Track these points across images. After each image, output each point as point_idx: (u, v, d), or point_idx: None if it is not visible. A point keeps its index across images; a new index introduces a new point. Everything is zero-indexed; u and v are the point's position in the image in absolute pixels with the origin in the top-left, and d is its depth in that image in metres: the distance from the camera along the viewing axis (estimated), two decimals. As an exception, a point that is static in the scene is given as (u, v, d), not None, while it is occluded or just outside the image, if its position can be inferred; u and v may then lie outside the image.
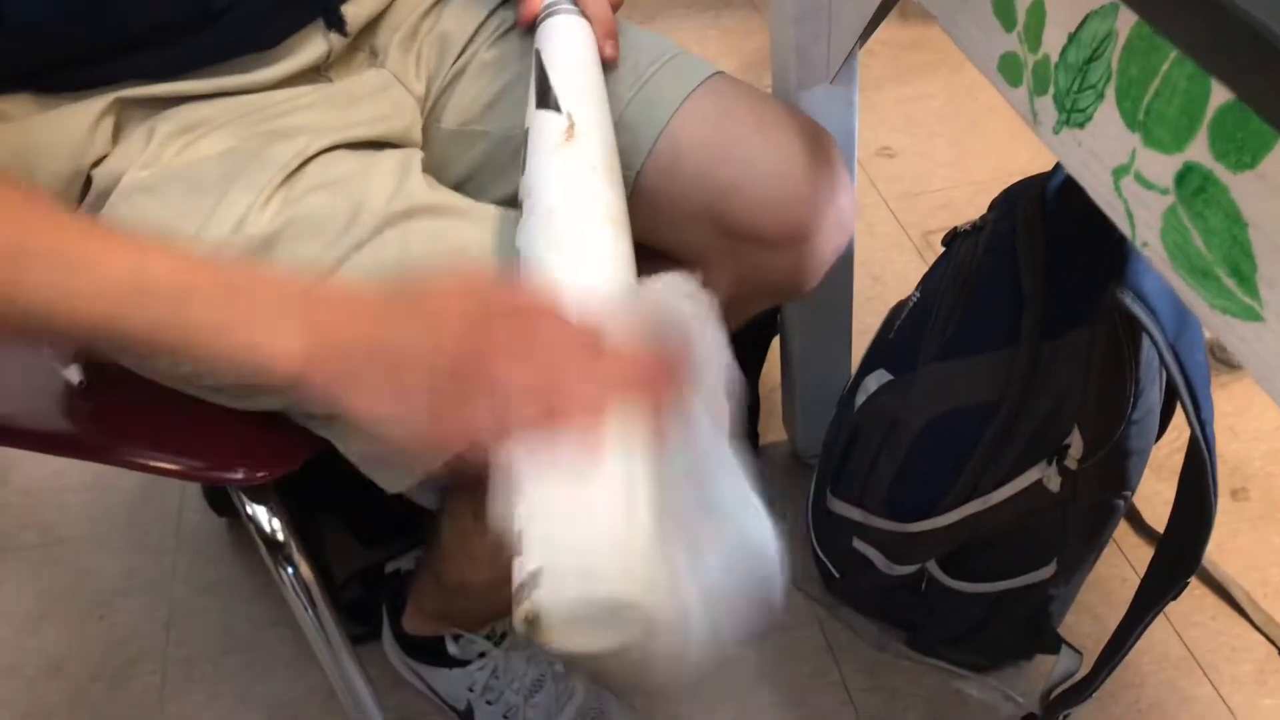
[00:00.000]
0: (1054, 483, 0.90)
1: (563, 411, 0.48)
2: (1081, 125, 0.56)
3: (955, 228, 1.02)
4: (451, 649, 1.01)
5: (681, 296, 0.53)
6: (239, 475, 0.74)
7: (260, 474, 0.74)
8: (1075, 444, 0.88)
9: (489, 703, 1.01)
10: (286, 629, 1.17)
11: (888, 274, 1.53)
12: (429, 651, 1.03)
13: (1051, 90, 0.57)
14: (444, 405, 0.49)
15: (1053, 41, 0.56)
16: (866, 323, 1.20)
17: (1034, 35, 0.58)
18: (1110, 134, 0.53)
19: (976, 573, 1.01)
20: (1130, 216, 0.53)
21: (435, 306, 0.51)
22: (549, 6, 0.77)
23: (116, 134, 0.70)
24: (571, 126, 0.66)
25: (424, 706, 1.08)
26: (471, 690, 1.02)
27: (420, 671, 1.05)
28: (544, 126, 0.67)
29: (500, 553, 0.85)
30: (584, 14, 0.77)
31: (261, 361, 0.50)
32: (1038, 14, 0.57)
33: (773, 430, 1.32)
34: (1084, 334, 0.85)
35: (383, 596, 1.11)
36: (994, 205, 1.02)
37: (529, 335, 0.50)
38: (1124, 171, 0.53)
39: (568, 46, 0.74)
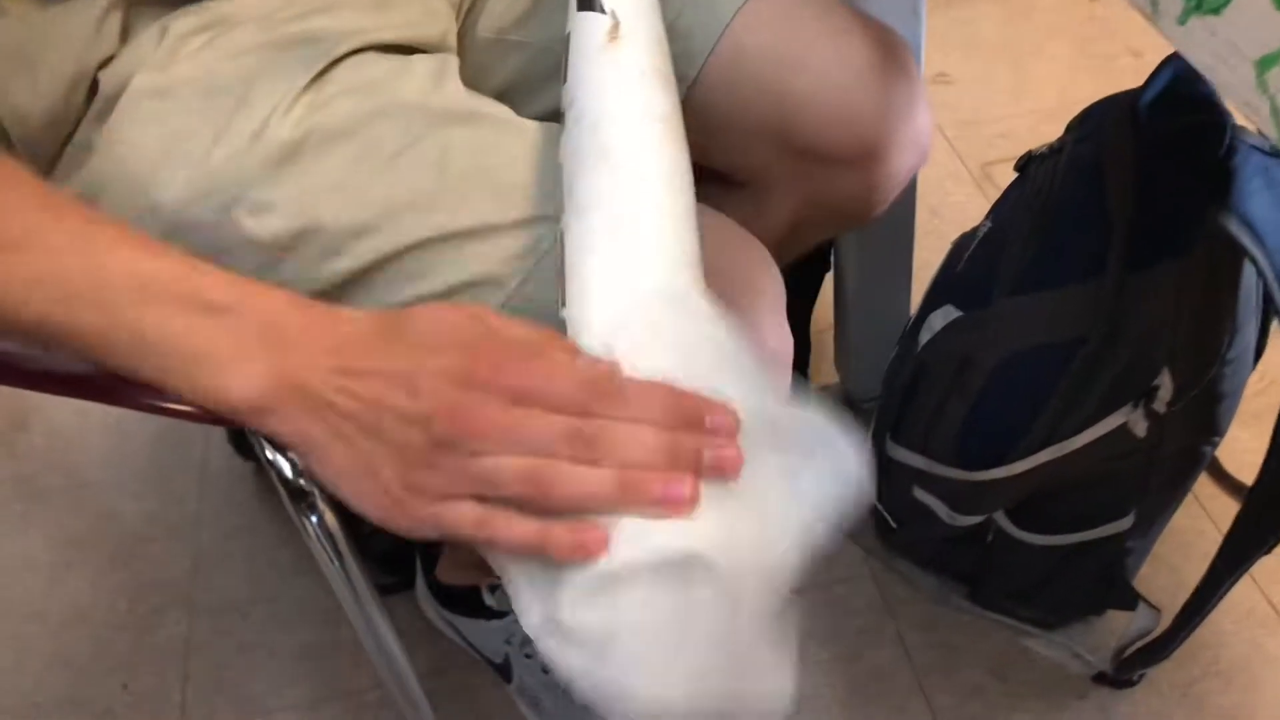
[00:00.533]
0: (1140, 428, 0.82)
1: (563, 498, 0.41)
2: (1217, 10, 0.48)
3: (1030, 151, 0.94)
4: (488, 600, 0.96)
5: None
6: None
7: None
8: (1165, 385, 0.81)
9: (528, 656, 0.96)
10: (315, 577, 1.12)
11: (945, 207, 1.45)
12: (464, 602, 0.98)
13: (1180, -29, 0.49)
14: (412, 488, 0.43)
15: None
16: (922, 259, 1.13)
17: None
18: (1254, 18, 0.45)
19: (1048, 524, 0.94)
20: (1277, 115, 0.46)
21: (414, 359, 0.44)
22: None
23: (125, 32, 0.63)
24: (616, 27, 0.58)
25: (460, 659, 1.04)
26: (509, 643, 0.97)
27: (455, 623, 1.00)
28: (586, 29, 0.59)
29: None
30: None
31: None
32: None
33: (824, 372, 1.25)
34: (1177, 264, 0.78)
35: (415, 544, 1.06)
36: (1072, 126, 0.93)
37: (527, 395, 0.43)
38: (1273, 62, 0.45)
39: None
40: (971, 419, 0.88)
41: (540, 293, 0.59)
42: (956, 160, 1.53)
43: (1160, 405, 0.81)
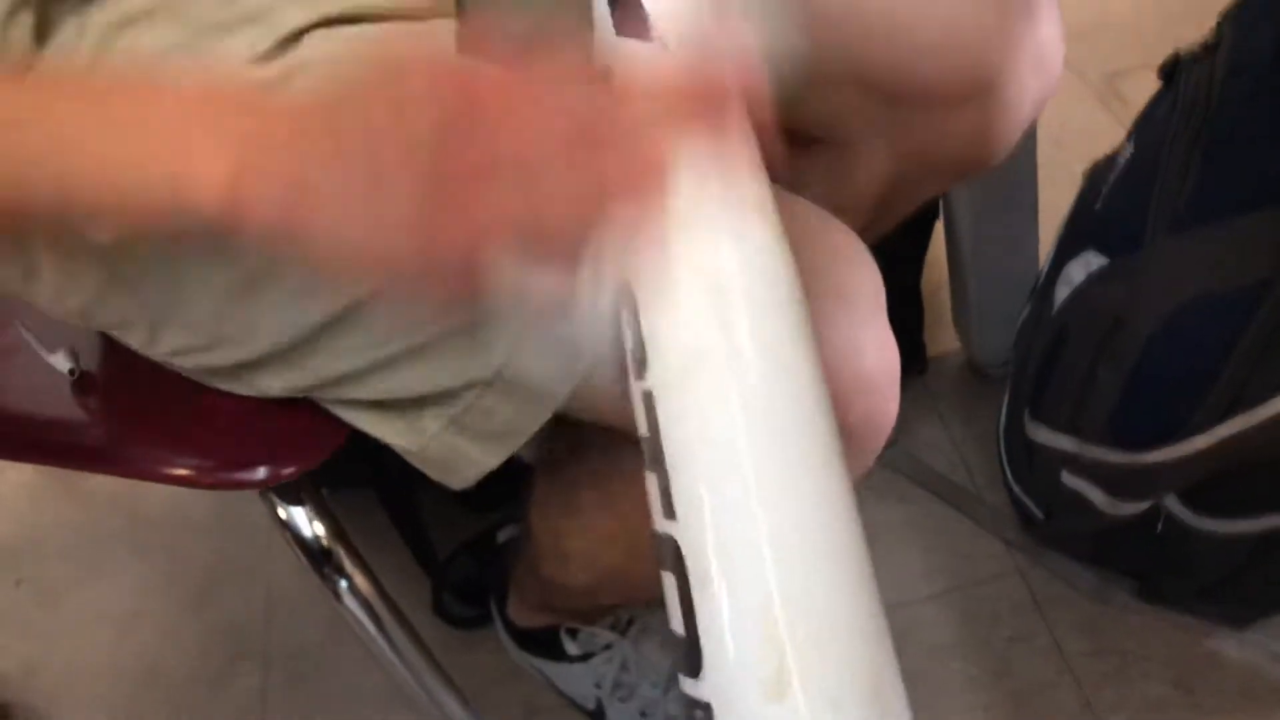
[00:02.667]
0: (1354, 387, 0.65)
1: (619, 176, 0.34)
2: None
3: (1176, 52, 0.77)
4: (569, 646, 0.85)
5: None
6: (260, 476, 0.58)
7: (287, 470, 0.58)
8: (1383, 332, 0.64)
9: (621, 700, 0.85)
10: (393, 613, 1.03)
11: (1067, 134, 1.26)
12: (543, 645, 0.88)
13: None
14: (439, 199, 0.34)
15: None
16: (1047, 199, 0.97)
17: None
18: None
19: (1234, 507, 0.78)
20: None
21: (401, 87, 0.36)
22: None
23: (41, 33, 0.52)
24: None
25: (553, 699, 0.93)
26: (599, 687, 0.85)
27: (539, 666, 0.89)
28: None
29: (596, 557, 0.68)
30: None
31: (182, 199, 0.37)
32: None
33: (942, 339, 1.09)
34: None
35: (491, 575, 0.95)
36: (1229, 16, 0.76)
37: (533, 95, 0.35)
38: None
39: None
40: (1129, 391, 0.72)
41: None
42: (1075, 75, 1.34)
43: (1379, 358, 0.64)
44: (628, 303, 0.38)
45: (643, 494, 0.59)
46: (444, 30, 0.54)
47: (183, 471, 0.61)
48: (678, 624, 0.35)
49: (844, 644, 0.34)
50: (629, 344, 0.38)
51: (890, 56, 0.60)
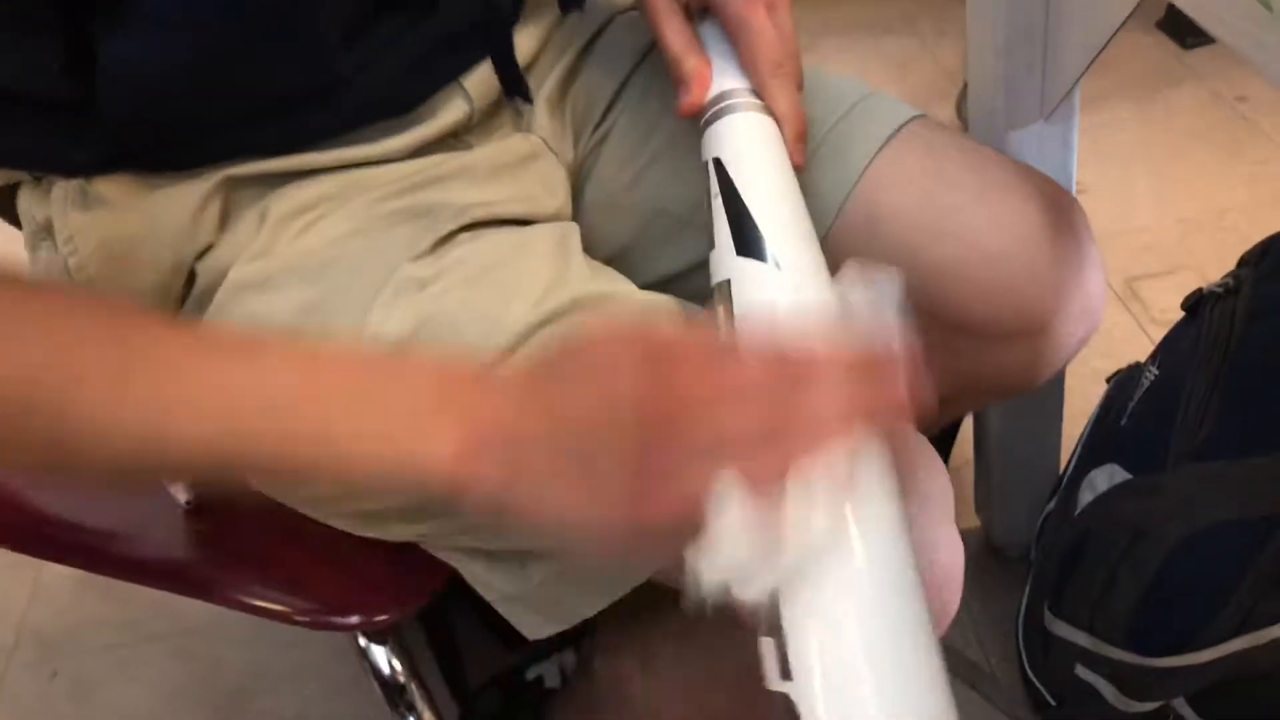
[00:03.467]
0: (1356, 618, 0.71)
1: (797, 450, 0.38)
2: None
3: (1199, 290, 0.85)
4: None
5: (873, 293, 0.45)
6: (354, 620, 0.63)
7: (380, 618, 0.63)
8: (1384, 570, 0.70)
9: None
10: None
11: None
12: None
13: None
14: (647, 476, 0.39)
15: None
16: (1068, 386, 1.03)
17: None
18: None
19: (1240, 715, 0.82)
20: None
21: (600, 363, 0.42)
22: (724, 99, 0.59)
23: (224, 218, 0.59)
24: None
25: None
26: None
27: (565, 808, 0.92)
28: (750, 280, 0.52)
29: (662, 709, 0.72)
30: (769, 110, 0.59)
31: (410, 472, 0.42)
32: None
33: (963, 516, 1.14)
34: (1399, 433, 0.67)
35: (520, 710, 0.99)
36: (1249, 260, 0.84)
37: (723, 374, 0.41)
38: None
39: (759, 161, 0.57)
40: (1148, 599, 0.77)
41: None
42: (1098, 277, 1.42)
43: (1379, 593, 0.70)
44: None
45: (719, 656, 0.64)
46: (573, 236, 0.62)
47: (280, 608, 0.66)
48: None
49: None
50: None
51: (953, 296, 0.65)
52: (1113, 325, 1.36)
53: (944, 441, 1.09)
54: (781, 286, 0.51)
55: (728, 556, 0.39)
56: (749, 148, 0.57)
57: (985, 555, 1.13)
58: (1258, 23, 0.49)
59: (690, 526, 0.39)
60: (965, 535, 1.15)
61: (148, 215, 0.58)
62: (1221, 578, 0.73)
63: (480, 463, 0.41)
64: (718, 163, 0.56)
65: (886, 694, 0.40)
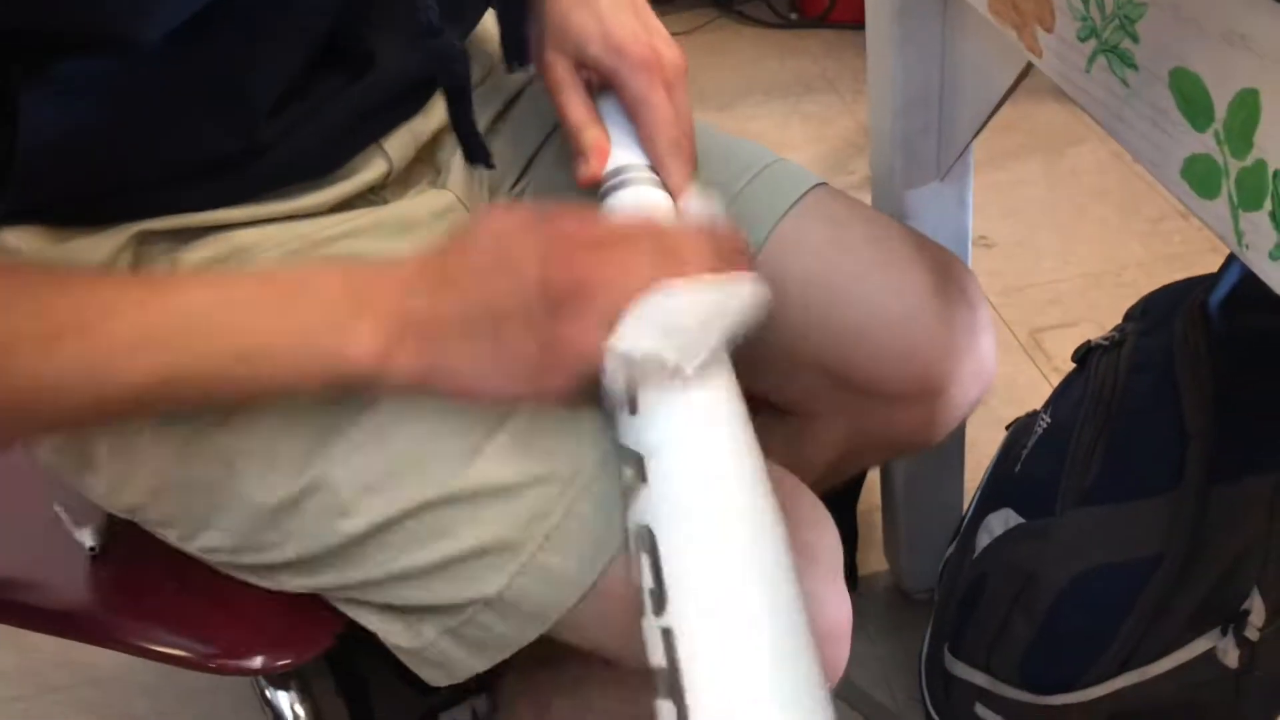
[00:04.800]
0: (1230, 656, 0.74)
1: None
2: (1316, 250, 0.43)
3: (1088, 341, 0.89)
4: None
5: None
6: (257, 664, 0.63)
7: (281, 662, 0.63)
8: (1256, 608, 0.73)
9: None
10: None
11: (994, 381, 1.39)
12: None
13: (1270, 207, 0.44)
14: (554, 336, 0.47)
15: (1273, 143, 0.43)
16: (972, 435, 1.07)
17: (1241, 135, 0.45)
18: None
19: (1128, 751, 0.85)
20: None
21: (503, 245, 0.48)
22: (621, 172, 0.61)
23: (135, 267, 0.59)
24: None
25: None
26: None
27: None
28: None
29: None
30: (663, 184, 0.61)
31: (332, 372, 0.48)
32: (1248, 108, 0.44)
33: (872, 559, 1.18)
34: (1266, 479, 0.71)
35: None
36: (1133, 315, 0.88)
37: (614, 242, 0.49)
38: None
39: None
40: (1038, 640, 0.80)
41: (557, 558, 0.54)
42: (1004, 328, 1.48)
43: (1252, 631, 0.73)
44: (647, 544, 0.46)
45: (612, 705, 0.65)
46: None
47: (180, 653, 0.65)
48: None
49: None
50: (646, 582, 0.45)
51: (856, 358, 0.68)
52: (1017, 374, 1.41)
53: (848, 495, 1.11)
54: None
55: (636, 336, 0.46)
56: (646, 210, 0.60)
57: (894, 597, 1.16)
58: (1119, 97, 0.53)
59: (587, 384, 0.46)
60: (874, 578, 1.19)
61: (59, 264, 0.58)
62: (1107, 617, 0.76)
63: (399, 351, 0.47)
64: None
65: None
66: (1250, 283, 0.77)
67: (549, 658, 0.71)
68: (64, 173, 0.55)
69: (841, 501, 1.13)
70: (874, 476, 1.13)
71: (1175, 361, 0.76)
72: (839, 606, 0.59)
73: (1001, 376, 1.38)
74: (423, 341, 0.47)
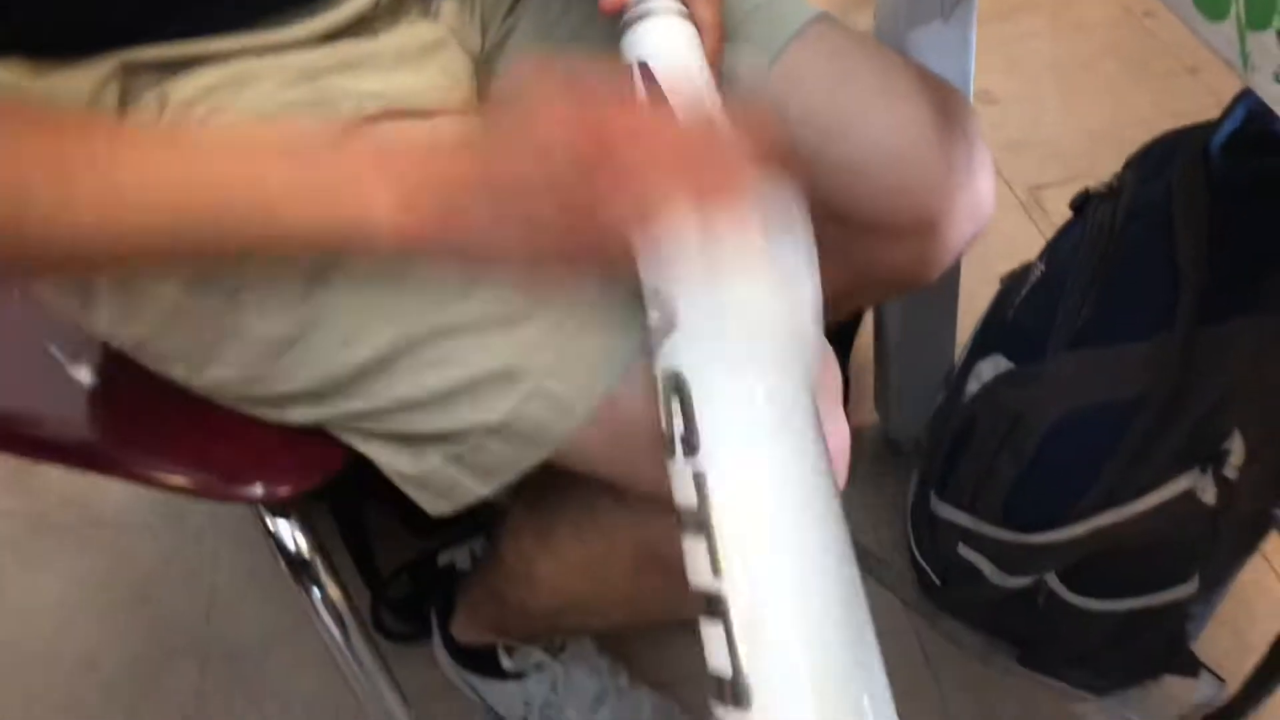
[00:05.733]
0: (1209, 494, 0.76)
1: (712, 187, 0.45)
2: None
3: (1086, 189, 0.88)
4: (505, 662, 0.91)
5: None
6: (257, 492, 0.64)
7: (281, 490, 0.64)
8: (1236, 449, 0.75)
9: (548, 719, 0.91)
10: (332, 624, 1.08)
11: (992, 234, 1.36)
12: (481, 661, 0.94)
13: (1278, 24, 0.43)
14: (577, 210, 0.45)
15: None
16: (967, 289, 1.07)
17: (1254, -51, 0.44)
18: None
19: (1104, 588, 0.88)
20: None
21: (531, 113, 0.46)
22: (643, 2, 0.60)
23: (123, 104, 0.58)
24: None
25: (479, 716, 0.99)
26: (528, 705, 0.92)
27: (471, 682, 0.95)
28: None
29: (565, 584, 0.75)
30: (689, 16, 0.60)
31: (352, 229, 0.47)
32: (1263, -80, 0.43)
33: (863, 411, 1.19)
34: (1254, 320, 0.71)
35: (433, 593, 1.01)
36: (1133, 163, 0.87)
37: (649, 134, 0.47)
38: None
39: (683, 65, 0.58)
40: (1023, 480, 0.82)
41: (561, 384, 0.55)
42: (1003, 184, 1.46)
43: (1231, 470, 0.75)
44: (677, 388, 0.46)
45: (616, 534, 0.67)
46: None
47: (182, 481, 0.66)
48: (723, 664, 0.42)
49: (852, 666, 0.42)
50: (677, 427, 0.45)
51: (851, 193, 0.67)
52: (1016, 232, 1.40)
53: (843, 339, 1.12)
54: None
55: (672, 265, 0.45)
56: (673, 51, 0.58)
57: (882, 449, 1.18)
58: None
59: (617, 257, 0.45)
60: (864, 430, 1.21)
61: (43, 99, 0.57)
62: (1091, 457, 0.78)
63: (418, 210, 0.46)
64: (642, 65, 0.57)
65: (811, 597, 0.42)
66: (1252, 124, 0.76)
67: (554, 488, 0.73)
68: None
69: (834, 353, 1.14)
70: (867, 331, 1.14)
71: (1172, 205, 0.75)
72: (838, 438, 0.60)
73: (999, 233, 1.38)
74: (444, 203, 0.46)
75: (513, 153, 0.46)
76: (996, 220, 1.43)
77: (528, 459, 0.58)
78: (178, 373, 0.61)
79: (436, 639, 0.98)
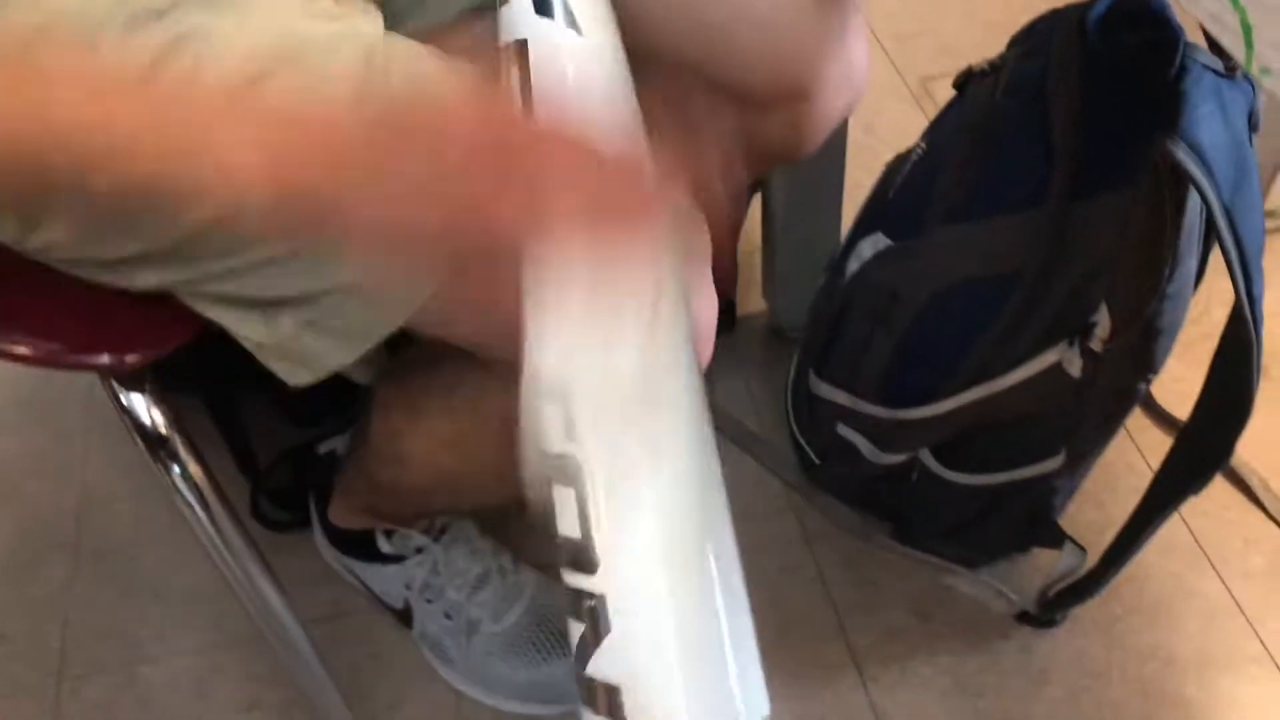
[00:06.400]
0: (1075, 366, 0.78)
1: (612, 208, 0.41)
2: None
3: (970, 67, 0.88)
4: (384, 545, 0.90)
5: None
6: (103, 360, 0.61)
7: (129, 358, 0.61)
8: (1102, 323, 0.77)
9: (429, 601, 0.91)
10: (208, 516, 1.05)
11: (880, 125, 1.38)
12: (359, 546, 0.93)
13: None
14: (457, 205, 0.41)
15: None
16: (856, 178, 1.07)
17: None
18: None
19: (975, 463, 0.90)
20: (1248, 32, 0.40)
21: (436, 118, 0.43)
22: None
23: None
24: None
25: (361, 601, 0.98)
26: (409, 588, 0.91)
27: (352, 567, 0.95)
28: (548, 44, 0.50)
29: (434, 459, 0.74)
30: None
31: (211, 172, 0.42)
32: None
33: (751, 300, 1.19)
34: (1122, 195, 0.73)
35: (313, 480, 1.00)
36: (1015, 41, 0.87)
37: (555, 145, 0.43)
38: (1245, -30, 0.39)
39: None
40: (898, 356, 0.83)
41: None
42: (895, 75, 1.46)
43: (1096, 343, 0.77)
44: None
45: (484, 407, 0.66)
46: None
47: (27, 350, 0.63)
48: (571, 528, 0.41)
49: (700, 530, 0.43)
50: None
51: (722, 60, 0.66)
52: (906, 122, 1.40)
53: (732, 220, 1.11)
54: (580, 55, 0.50)
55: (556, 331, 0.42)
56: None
57: (769, 336, 1.19)
58: None
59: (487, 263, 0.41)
60: (751, 318, 1.21)
61: None
62: (963, 332, 0.79)
63: (290, 160, 0.41)
64: (519, 43, 0.51)
65: (662, 461, 0.42)
66: (1127, -2, 0.76)
67: (423, 363, 0.71)
68: None
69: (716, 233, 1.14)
70: (755, 217, 1.14)
71: (1048, 81, 0.76)
72: (705, 306, 0.59)
73: (889, 124, 1.39)
74: (319, 160, 0.42)
75: (407, 131, 0.42)
76: (887, 108, 1.44)
77: (385, 322, 0.56)
78: (8, 232, 0.57)
79: (316, 525, 0.97)
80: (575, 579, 0.42)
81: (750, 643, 0.43)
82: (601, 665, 0.41)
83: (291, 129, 0.42)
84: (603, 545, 0.41)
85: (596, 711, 0.42)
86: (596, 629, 0.41)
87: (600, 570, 0.41)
